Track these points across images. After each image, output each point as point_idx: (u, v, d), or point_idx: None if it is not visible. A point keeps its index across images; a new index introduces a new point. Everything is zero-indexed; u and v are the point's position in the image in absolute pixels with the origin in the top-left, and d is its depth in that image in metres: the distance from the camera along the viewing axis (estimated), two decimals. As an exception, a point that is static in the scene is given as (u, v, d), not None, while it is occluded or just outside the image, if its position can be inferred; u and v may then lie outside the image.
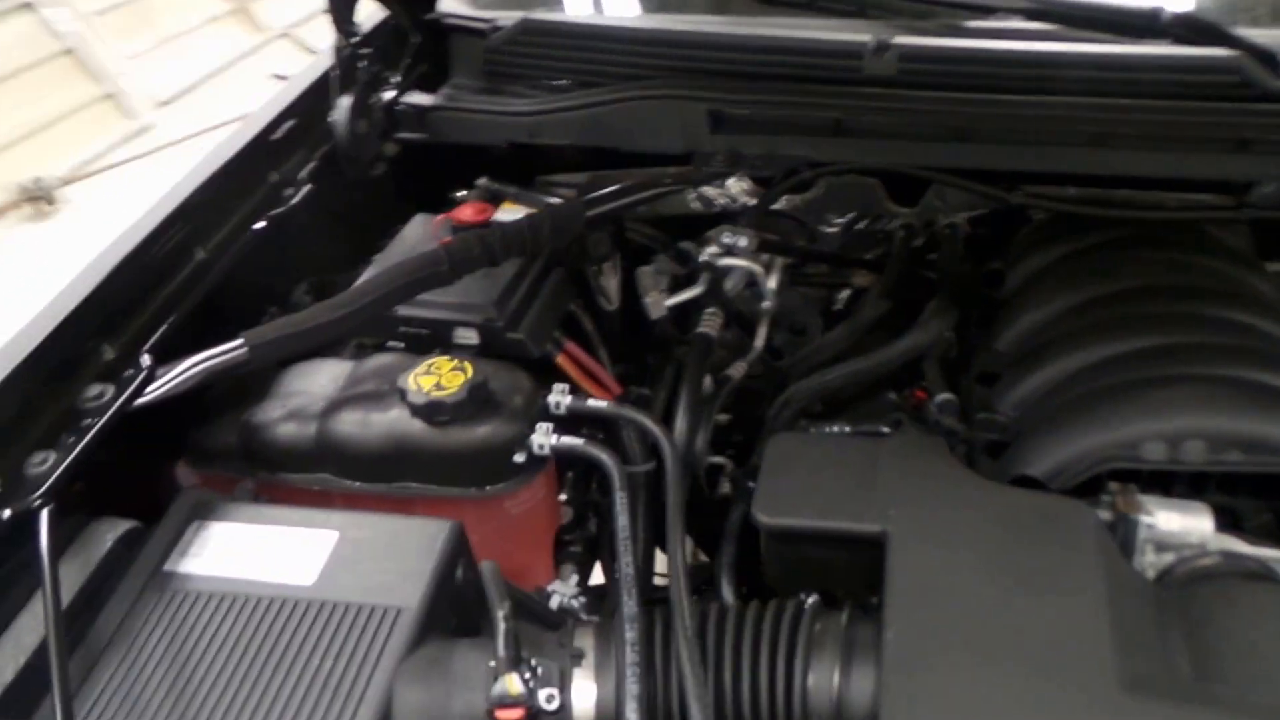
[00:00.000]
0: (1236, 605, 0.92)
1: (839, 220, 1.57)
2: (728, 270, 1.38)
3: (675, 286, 1.41)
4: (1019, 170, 1.30)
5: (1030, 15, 1.28)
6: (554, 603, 1.16)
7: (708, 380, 1.32)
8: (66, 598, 0.94)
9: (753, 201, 1.45)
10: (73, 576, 0.97)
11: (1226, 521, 1.05)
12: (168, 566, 0.98)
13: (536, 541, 1.17)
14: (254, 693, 0.88)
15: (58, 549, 0.90)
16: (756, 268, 1.41)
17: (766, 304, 1.42)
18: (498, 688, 0.84)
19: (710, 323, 1.36)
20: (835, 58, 1.27)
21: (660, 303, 1.34)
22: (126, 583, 0.97)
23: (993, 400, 1.23)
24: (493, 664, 0.86)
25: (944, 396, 1.26)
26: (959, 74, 1.26)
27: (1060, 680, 0.82)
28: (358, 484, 1.10)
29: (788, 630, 0.90)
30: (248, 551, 0.99)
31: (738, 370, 1.39)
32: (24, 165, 4.07)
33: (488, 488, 1.09)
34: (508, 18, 1.46)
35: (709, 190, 1.45)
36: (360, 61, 1.36)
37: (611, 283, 1.33)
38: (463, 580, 1.00)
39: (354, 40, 1.34)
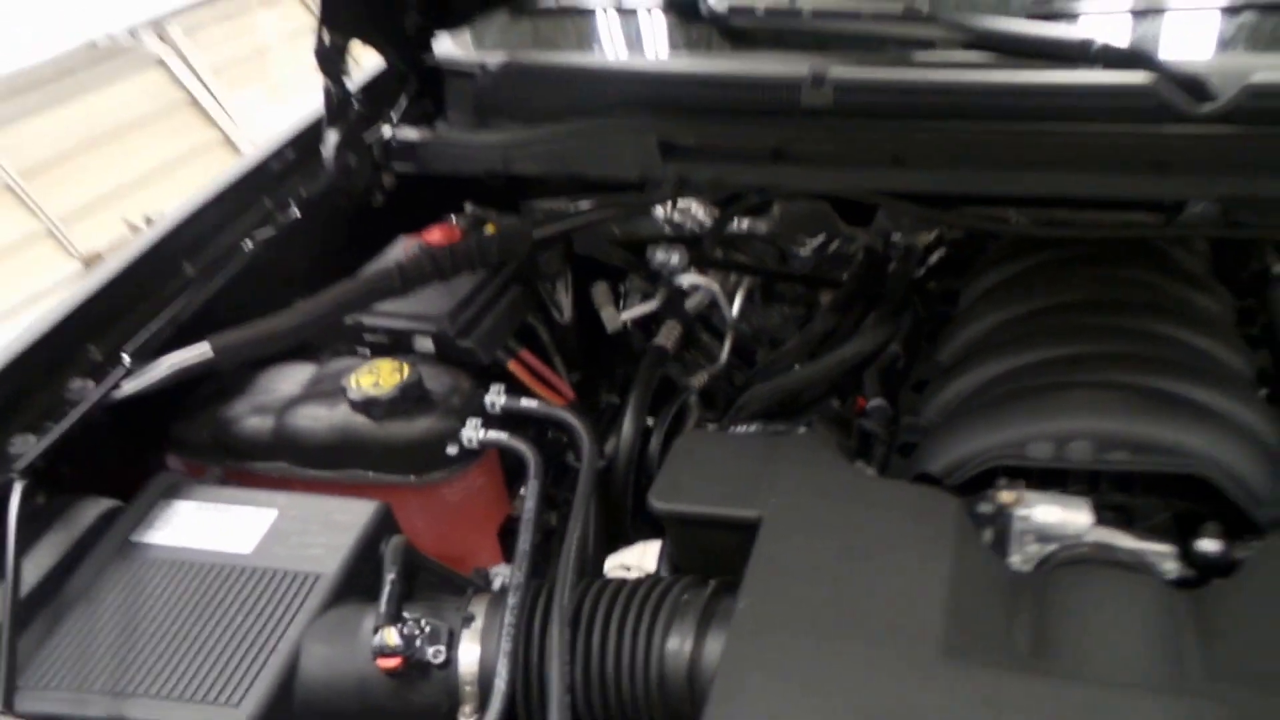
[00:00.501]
0: (1085, 588, 0.95)
1: (811, 243, 1.65)
2: (689, 288, 1.48)
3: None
4: (955, 193, 1.36)
5: (968, 46, 1.35)
6: (496, 584, 1.25)
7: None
8: (48, 565, 1.09)
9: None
10: (56, 547, 1.12)
11: (1123, 519, 1.08)
12: (133, 537, 1.13)
13: (477, 528, 1.27)
14: (184, 645, 1.01)
15: (26, 519, 1.05)
16: (715, 287, 1.50)
17: (730, 320, 1.50)
18: (377, 639, 0.95)
19: (667, 335, 1.45)
20: (775, 90, 1.36)
21: (615, 317, 1.44)
22: (98, 551, 1.12)
23: (919, 406, 1.29)
24: (376, 620, 0.97)
25: (875, 402, 1.32)
26: (893, 103, 1.32)
27: (885, 647, 0.88)
28: (311, 472, 1.23)
29: (654, 601, 0.98)
30: (201, 526, 1.13)
31: (699, 380, 1.48)
32: (147, 203, 4.47)
33: (425, 476, 1.21)
34: (495, 60, 1.59)
35: (676, 215, 1.55)
36: (352, 101, 1.52)
37: (564, 298, 1.43)
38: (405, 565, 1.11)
39: (343, 83, 1.49)
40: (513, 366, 1.33)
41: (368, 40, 1.56)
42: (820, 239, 1.65)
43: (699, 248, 1.52)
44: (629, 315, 1.45)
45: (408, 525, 1.15)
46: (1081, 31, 1.27)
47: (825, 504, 1.03)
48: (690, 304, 1.51)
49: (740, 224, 1.62)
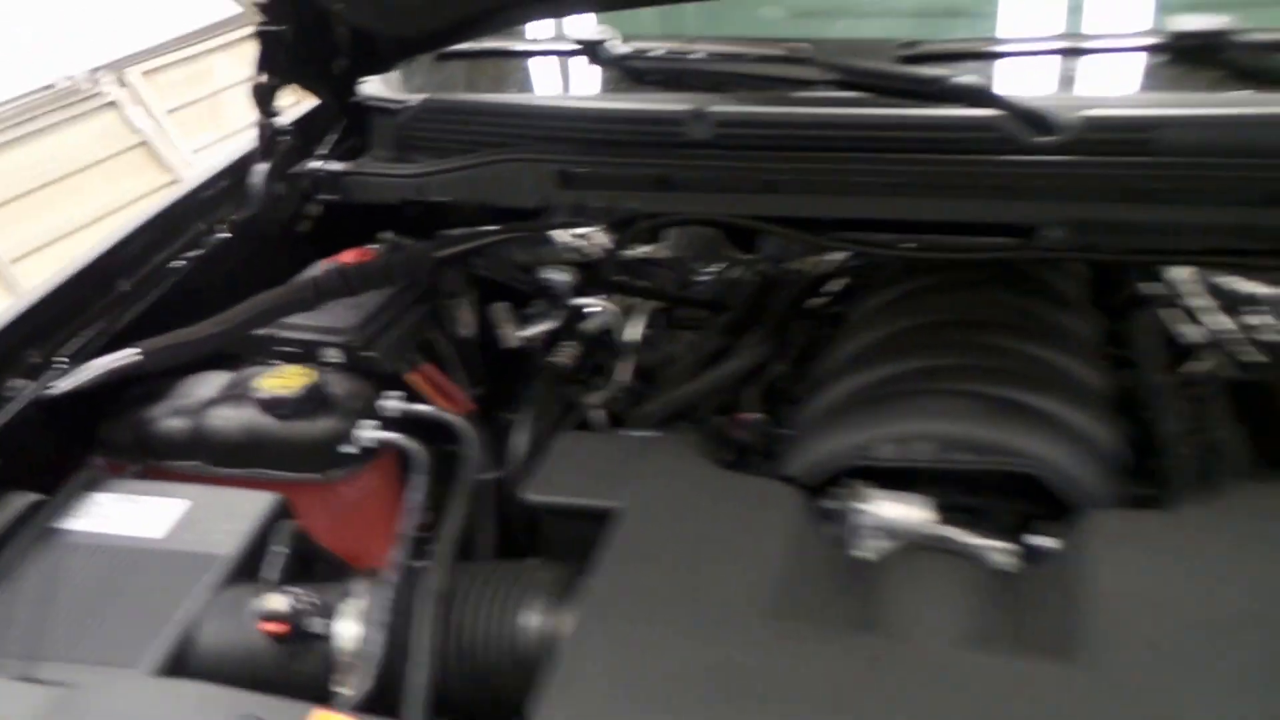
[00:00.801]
0: (909, 570, 1.06)
1: (710, 269, 1.77)
2: (588, 310, 1.59)
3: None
4: (824, 217, 1.48)
5: (839, 85, 1.48)
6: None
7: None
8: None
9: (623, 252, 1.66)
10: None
11: (970, 519, 1.19)
12: (53, 525, 1.21)
13: (374, 528, 1.36)
14: (93, 617, 1.09)
15: None
16: (613, 309, 1.61)
17: (627, 342, 1.61)
18: (262, 603, 1.04)
19: (564, 354, 1.56)
20: (661, 124, 1.48)
21: (512, 334, 1.55)
22: (20, 539, 1.20)
23: (791, 417, 1.39)
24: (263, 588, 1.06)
25: (750, 416, 1.43)
26: (766, 135, 1.45)
27: (718, 616, 0.97)
28: (223, 470, 1.32)
29: (514, 581, 1.07)
30: (118, 515, 1.21)
31: (592, 399, 1.58)
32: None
33: (325, 474, 1.30)
34: (415, 99, 1.71)
35: (580, 241, 1.66)
36: (282, 136, 1.63)
37: (465, 315, 1.54)
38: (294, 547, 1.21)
39: (273, 118, 1.61)
40: (413, 377, 1.43)
41: (299, 82, 1.68)
42: (721, 265, 1.77)
43: (600, 271, 1.64)
44: (525, 334, 1.56)
45: (310, 522, 1.24)
46: (937, 72, 1.40)
47: (677, 495, 1.13)
48: (591, 325, 1.62)
49: (642, 250, 1.74)
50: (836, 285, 1.71)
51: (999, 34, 1.56)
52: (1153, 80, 1.48)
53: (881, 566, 1.07)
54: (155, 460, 1.35)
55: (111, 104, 4.74)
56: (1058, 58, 1.52)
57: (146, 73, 4.91)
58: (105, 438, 1.38)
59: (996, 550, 1.11)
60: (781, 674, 0.92)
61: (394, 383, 1.41)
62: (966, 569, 1.05)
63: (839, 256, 1.76)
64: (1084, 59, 1.49)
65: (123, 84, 4.84)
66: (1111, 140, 1.29)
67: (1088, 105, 1.33)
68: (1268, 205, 1.24)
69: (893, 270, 1.65)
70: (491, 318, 1.57)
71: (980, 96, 1.37)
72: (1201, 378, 1.47)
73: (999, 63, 1.51)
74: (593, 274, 1.65)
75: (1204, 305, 1.59)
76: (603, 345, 1.65)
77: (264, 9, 1.55)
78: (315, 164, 1.69)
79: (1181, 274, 1.61)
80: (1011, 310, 1.45)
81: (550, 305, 1.63)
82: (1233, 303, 1.60)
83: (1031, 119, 1.33)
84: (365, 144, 1.77)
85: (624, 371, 1.65)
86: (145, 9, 4.69)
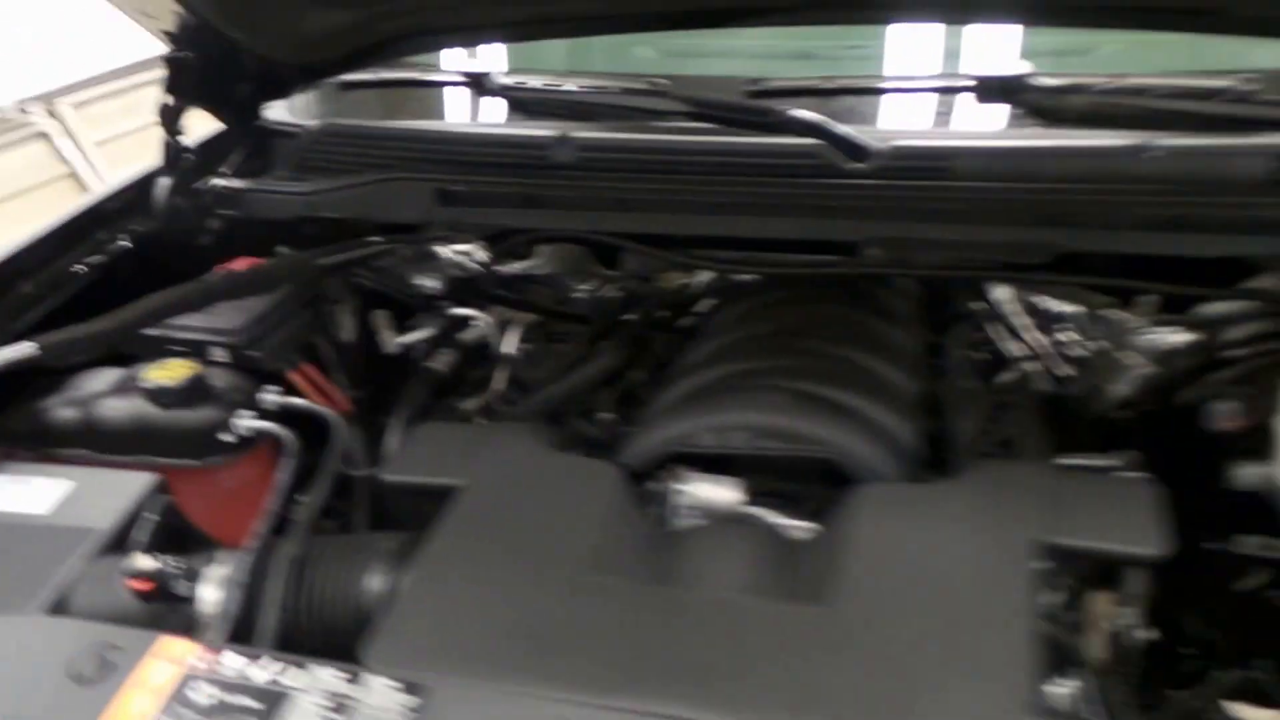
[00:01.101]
0: (709, 537, 1.20)
1: (585, 285, 1.92)
2: (465, 320, 1.74)
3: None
4: (674, 234, 1.63)
5: (691, 116, 1.65)
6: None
7: None
8: None
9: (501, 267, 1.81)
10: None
11: (782, 503, 1.33)
12: (-58, 505, 1.31)
13: (250, 513, 1.45)
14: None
15: None
16: (488, 319, 1.76)
17: (502, 351, 1.76)
18: (128, 562, 1.15)
19: (441, 360, 1.69)
20: (530, 148, 1.64)
21: (391, 340, 1.68)
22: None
23: (637, 415, 1.54)
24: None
25: (602, 415, 1.57)
26: (622, 159, 1.61)
27: (534, 567, 1.11)
28: (110, 457, 1.43)
29: (361, 548, 1.20)
30: (7, 494, 1.32)
31: (468, 405, 1.72)
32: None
33: (204, 460, 1.42)
34: (313, 123, 1.85)
35: (461, 256, 1.80)
36: (186, 154, 1.76)
37: (346, 321, 1.67)
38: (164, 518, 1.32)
39: (178, 137, 1.74)
40: (294, 376, 1.56)
41: (205, 105, 1.81)
42: (595, 282, 1.92)
43: (479, 285, 1.78)
44: (404, 340, 1.70)
45: (190, 508, 1.35)
46: (772, 106, 1.57)
47: (513, 473, 1.27)
48: (469, 336, 1.76)
49: (521, 266, 1.88)
50: (698, 300, 1.87)
51: (837, 74, 1.74)
52: (960, 115, 1.67)
53: (686, 535, 1.21)
54: (48, 448, 1.45)
55: (42, 134, 4.82)
56: (885, 95, 1.70)
57: (77, 105, 5.00)
58: (2, 428, 1.48)
59: (794, 527, 1.26)
60: (583, 620, 1.05)
61: (276, 380, 1.54)
62: (759, 536, 1.20)
63: (705, 276, 1.93)
64: (905, 96, 1.67)
65: (53, 115, 4.92)
66: (915, 167, 1.47)
67: (897, 136, 1.50)
68: (1042, 225, 1.42)
69: (744, 286, 1.82)
70: (372, 324, 1.70)
71: (805, 127, 1.54)
72: (1008, 386, 1.65)
73: (832, 99, 1.69)
74: (472, 287, 1.79)
75: (1023, 323, 1.78)
76: (480, 355, 1.79)
77: (171, 37, 1.69)
78: (218, 181, 1.82)
79: (1003, 293, 1.80)
80: (840, 322, 1.61)
81: (430, 315, 1.77)
82: (1046, 320, 1.79)
83: (847, 147, 1.51)
84: (268, 164, 1.91)
85: (500, 380, 1.79)
86: (79, 42, 4.78)
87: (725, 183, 1.55)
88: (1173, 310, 1.58)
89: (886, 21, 1.71)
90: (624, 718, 0.88)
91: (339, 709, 0.85)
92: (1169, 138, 1.43)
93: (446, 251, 1.81)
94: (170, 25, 1.65)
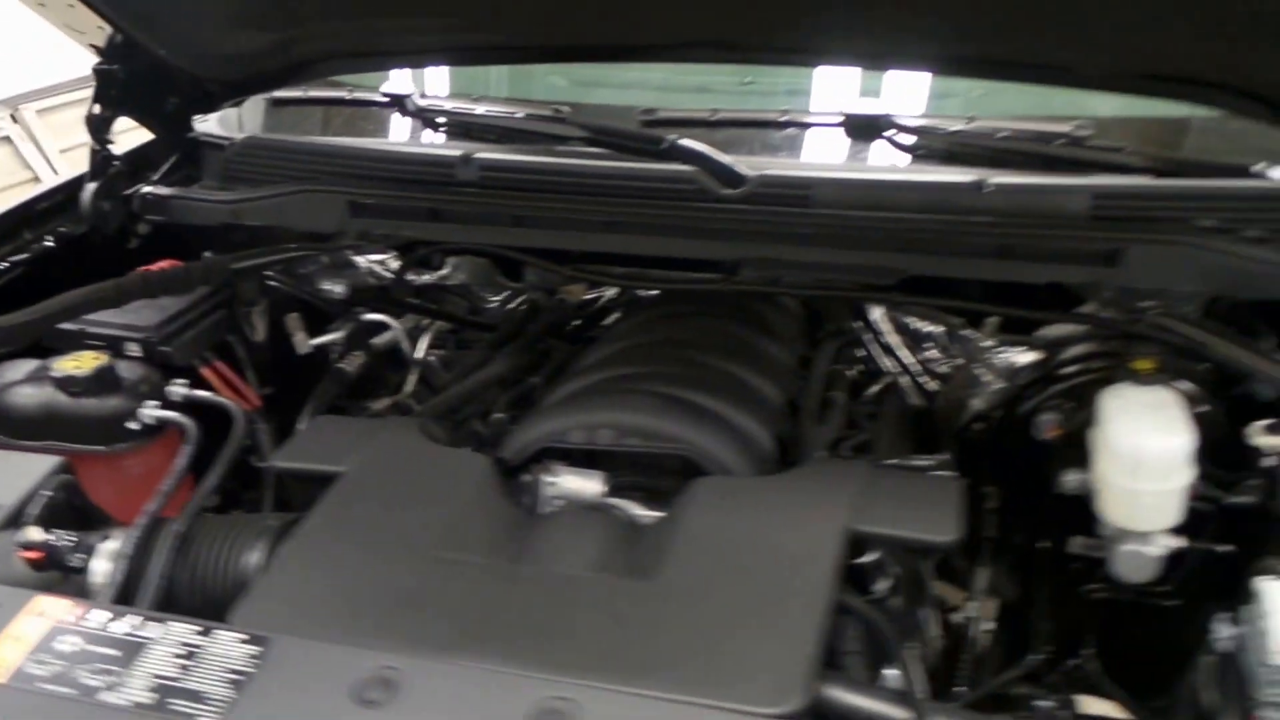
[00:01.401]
0: (562, 520, 1.32)
1: (497, 296, 2.04)
2: (378, 326, 1.86)
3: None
4: (564, 249, 1.76)
5: (585, 141, 1.78)
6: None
7: None
8: None
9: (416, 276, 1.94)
10: None
11: (641, 494, 1.45)
12: None
13: (156, 499, 1.58)
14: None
15: None
16: (396, 325, 1.88)
17: (411, 355, 1.88)
18: (20, 534, 1.25)
19: (349, 362, 1.81)
20: (436, 166, 1.76)
21: (304, 342, 1.80)
22: None
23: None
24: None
25: (496, 416, 1.69)
26: (519, 178, 1.73)
27: (394, 544, 1.22)
28: (22, 443, 1.53)
29: (243, 527, 1.31)
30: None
31: (378, 405, 1.83)
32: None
33: (112, 447, 1.52)
34: (238, 137, 1.97)
35: (377, 267, 1.93)
36: (112, 161, 1.87)
37: (259, 322, 1.78)
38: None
39: (107, 145, 1.85)
40: (205, 372, 1.67)
41: (133, 116, 1.92)
42: (506, 294, 2.05)
43: (393, 292, 1.90)
44: (316, 342, 1.82)
45: (98, 493, 1.45)
46: (658, 134, 1.70)
47: (391, 461, 1.38)
48: (381, 341, 1.88)
49: (434, 276, 2.01)
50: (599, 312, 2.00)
51: (728, 108, 1.88)
52: (830, 149, 1.81)
53: (544, 519, 1.33)
54: (-38, 435, 1.55)
55: (5, 139, 4.91)
56: (766, 129, 1.84)
57: (41, 111, 5.08)
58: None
59: (643, 514, 1.38)
60: (431, 591, 1.17)
61: (189, 375, 1.65)
62: (606, 522, 1.32)
63: (611, 291, 2.06)
64: (784, 130, 1.81)
65: (15, 120, 5.00)
66: (780, 194, 1.60)
67: (769, 166, 1.64)
68: (890, 251, 1.56)
69: (644, 301, 1.95)
70: (286, 326, 1.81)
71: (685, 155, 1.67)
72: (874, 397, 1.79)
73: (718, 130, 1.82)
74: (386, 294, 1.91)
75: (894, 341, 1.92)
76: (392, 359, 1.91)
77: (99, 50, 1.80)
78: (147, 188, 1.93)
79: (877, 313, 1.94)
80: (720, 335, 1.74)
81: (344, 319, 1.89)
82: (915, 339, 1.93)
83: (723, 175, 1.64)
84: (197, 175, 2.02)
85: (411, 382, 1.91)
86: (45, 49, 4.88)
87: (613, 203, 1.68)
88: (1017, 331, 1.73)
89: (765, 64, 1.85)
90: (447, 668, 0.99)
91: (189, 656, 0.96)
92: (1006, 175, 1.57)
93: (363, 261, 1.94)
94: (98, 39, 1.76)
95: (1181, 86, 1.50)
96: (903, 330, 1.93)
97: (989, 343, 1.79)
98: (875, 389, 1.81)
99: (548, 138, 1.82)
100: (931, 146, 1.68)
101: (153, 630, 1.00)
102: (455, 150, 1.78)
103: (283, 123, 2.15)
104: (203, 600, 1.27)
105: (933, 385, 1.88)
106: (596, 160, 1.73)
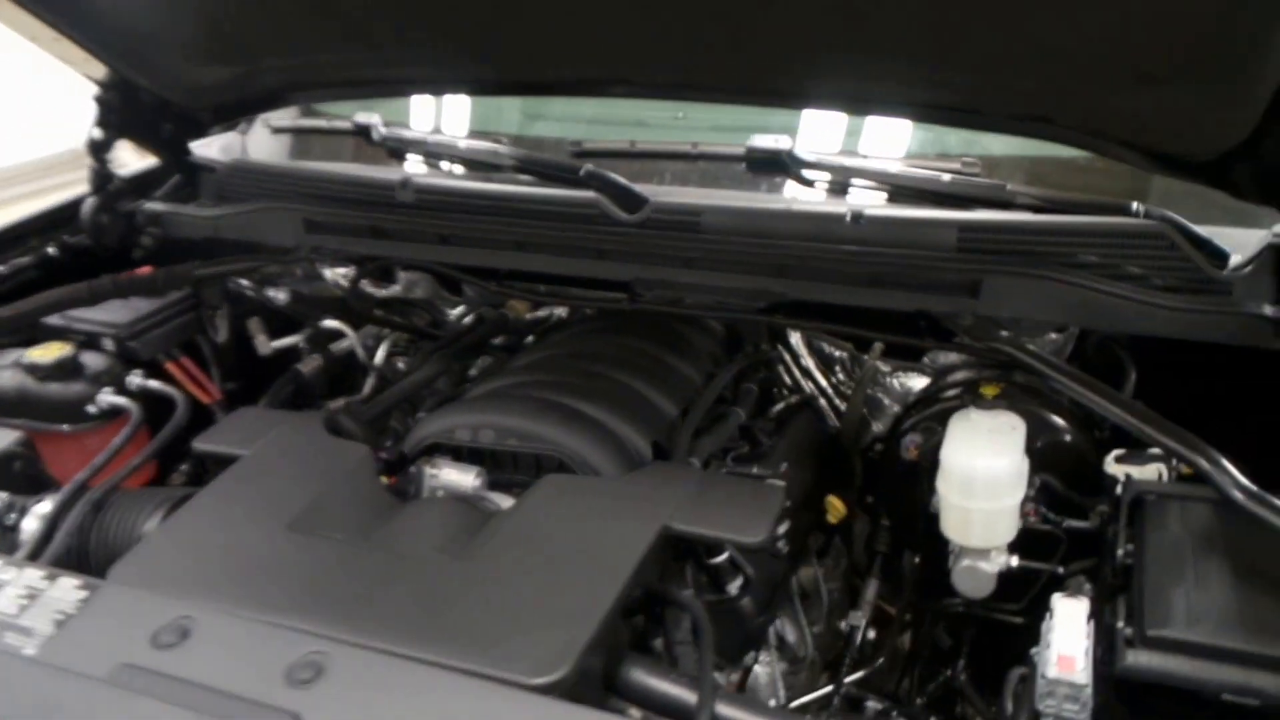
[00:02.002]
0: (430, 505, 1.48)
1: (455, 310, 2.22)
2: (337, 333, 2.06)
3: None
4: (483, 266, 1.92)
5: (516, 169, 1.94)
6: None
7: None
8: None
9: (370, 289, 2.14)
10: None
11: (517, 489, 1.58)
12: None
13: (112, 474, 1.79)
14: None
15: None
16: (350, 331, 2.07)
17: (368, 362, 2.07)
18: (-38, 496, 1.47)
19: (307, 364, 2.01)
20: (379, 188, 1.94)
21: (266, 344, 2.00)
22: None
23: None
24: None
25: (419, 415, 1.86)
26: (450, 201, 1.90)
27: (263, 519, 1.39)
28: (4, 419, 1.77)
29: (147, 497, 1.50)
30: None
31: (336, 404, 2.02)
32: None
33: (75, 427, 1.75)
34: (225, 160, 2.20)
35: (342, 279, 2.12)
36: (112, 179, 2.11)
37: (222, 324, 2.00)
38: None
39: (106, 165, 2.09)
40: (170, 366, 1.89)
41: (132, 140, 2.16)
42: (463, 308, 2.23)
43: (350, 303, 2.09)
44: (276, 344, 2.02)
45: (63, 467, 1.67)
46: (576, 164, 1.85)
47: (285, 447, 1.56)
48: (341, 346, 2.08)
49: (394, 289, 2.20)
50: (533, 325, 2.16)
51: (656, 140, 2.02)
52: (736, 179, 1.93)
53: (407, 505, 1.49)
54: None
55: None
56: (683, 161, 1.97)
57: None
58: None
59: (501, 506, 1.52)
60: (280, 560, 1.33)
61: (155, 369, 1.87)
62: (460, 510, 1.47)
63: (561, 311, 2.21)
64: (699, 161, 1.94)
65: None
66: (673, 220, 1.72)
67: (663, 194, 1.77)
68: (768, 275, 1.67)
69: (565, 318, 2.10)
70: (249, 329, 2.02)
71: (592, 182, 1.81)
72: (776, 415, 1.89)
73: (638, 161, 1.96)
74: (345, 305, 2.11)
75: (807, 364, 2.02)
76: (349, 364, 2.10)
77: (99, 82, 2.05)
78: (147, 205, 2.17)
79: (795, 337, 2.04)
80: (628, 350, 1.87)
81: (306, 326, 2.09)
82: (826, 363, 2.03)
83: (622, 201, 1.77)
84: (195, 194, 2.26)
85: (367, 386, 2.10)
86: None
87: (524, 225, 1.83)
88: (905, 357, 1.81)
89: (694, 100, 1.97)
90: (236, 619, 1.14)
91: (30, 598, 1.14)
92: (882, 208, 1.67)
93: (329, 273, 2.14)
94: (91, 70, 2.00)
95: (1051, 129, 1.57)
96: (817, 353, 2.03)
97: (887, 368, 1.88)
98: (779, 407, 1.91)
99: (481, 165, 1.99)
100: (824, 181, 1.79)
101: (9, 574, 1.18)
102: (396, 174, 1.97)
103: (279, 149, 2.39)
104: (107, 560, 1.45)
105: (844, 407, 1.97)
106: (518, 186, 1.89)
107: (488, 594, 1.26)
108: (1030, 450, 1.56)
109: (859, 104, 1.73)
